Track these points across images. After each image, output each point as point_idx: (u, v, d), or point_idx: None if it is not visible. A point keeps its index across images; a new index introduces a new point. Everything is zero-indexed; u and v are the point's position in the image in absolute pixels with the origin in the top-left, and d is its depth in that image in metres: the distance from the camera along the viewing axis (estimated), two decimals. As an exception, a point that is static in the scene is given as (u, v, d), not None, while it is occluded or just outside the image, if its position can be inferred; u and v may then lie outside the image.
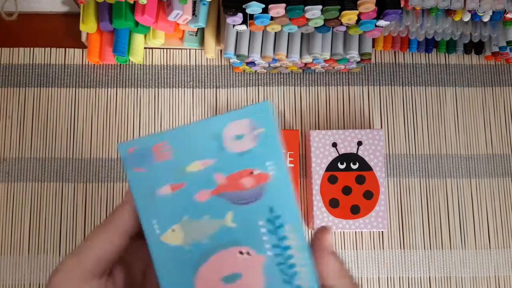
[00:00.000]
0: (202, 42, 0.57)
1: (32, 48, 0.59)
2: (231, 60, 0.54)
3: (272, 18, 0.46)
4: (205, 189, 0.25)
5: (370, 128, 0.58)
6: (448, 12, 0.51)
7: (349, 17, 0.45)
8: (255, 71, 0.58)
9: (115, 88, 0.58)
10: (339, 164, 0.53)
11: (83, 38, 0.56)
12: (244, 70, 0.58)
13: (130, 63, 0.59)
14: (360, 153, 0.53)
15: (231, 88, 0.59)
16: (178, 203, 0.25)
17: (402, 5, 0.46)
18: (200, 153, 0.25)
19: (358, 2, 0.43)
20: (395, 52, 0.60)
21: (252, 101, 0.58)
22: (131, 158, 0.25)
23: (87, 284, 0.23)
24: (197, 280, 0.25)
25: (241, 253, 0.25)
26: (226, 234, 0.25)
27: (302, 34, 0.53)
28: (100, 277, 0.24)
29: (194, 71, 0.59)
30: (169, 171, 0.25)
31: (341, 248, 0.55)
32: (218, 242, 0.25)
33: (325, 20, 0.46)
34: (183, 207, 0.25)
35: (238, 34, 0.53)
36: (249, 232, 0.25)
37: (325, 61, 0.54)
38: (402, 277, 0.55)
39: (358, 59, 0.53)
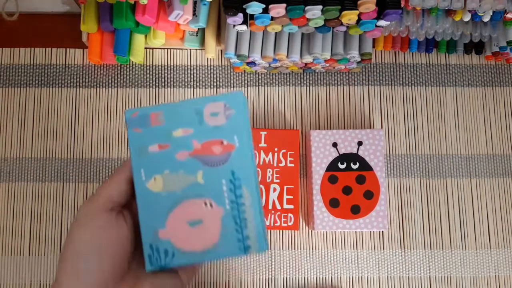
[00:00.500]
0: (202, 42, 0.57)
1: (33, 48, 0.59)
2: (231, 60, 0.54)
3: (272, 18, 0.46)
4: (184, 150, 0.32)
5: (370, 128, 0.58)
6: (449, 12, 0.51)
7: (349, 17, 0.45)
8: (256, 71, 0.58)
9: (115, 88, 0.58)
10: (339, 164, 0.53)
11: (84, 38, 0.56)
12: (244, 70, 0.58)
13: (131, 63, 0.59)
14: (360, 153, 0.53)
15: (232, 88, 0.59)
16: (162, 159, 0.32)
17: (402, 5, 0.47)
18: (184, 123, 0.32)
19: (359, 2, 0.43)
20: (395, 52, 0.60)
21: (253, 101, 0.58)
22: (133, 120, 0.32)
23: (101, 215, 0.31)
24: (168, 220, 0.32)
25: (205, 204, 0.32)
26: (195, 188, 0.32)
27: (302, 34, 0.53)
28: (111, 212, 0.31)
29: (195, 71, 0.59)
30: (159, 134, 0.32)
31: (341, 248, 0.55)
32: (189, 193, 0.32)
33: (325, 20, 0.46)
34: (165, 163, 0.32)
35: (238, 34, 0.53)
36: (214, 188, 0.32)
37: (326, 61, 0.54)
38: (402, 277, 0.55)
39: (359, 59, 0.53)
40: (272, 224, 0.53)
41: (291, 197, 0.53)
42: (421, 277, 0.55)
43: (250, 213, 0.32)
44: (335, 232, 0.55)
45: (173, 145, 0.32)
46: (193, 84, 0.59)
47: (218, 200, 0.32)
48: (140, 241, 0.32)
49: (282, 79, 0.59)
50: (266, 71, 0.58)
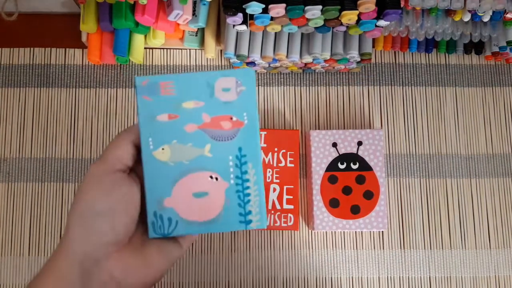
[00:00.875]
0: (202, 42, 0.57)
1: (32, 48, 0.59)
2: (231, 60, 0.54)
3: (272, 18, 0.46)
4: (193, 123, 0.32)
5: (370, 128, 0.58)
6: (448, 12, 0.51)
7: (349, 17, 0.45)
8: (255, 71, 0.58)
9: (115, 88, 0.58)
10: (339, 164, 0.53)
11: (83, 38, 0.56)
12: (244, 70, 0.58)
13: (130, 63, 0.59)
14: (360, 153, 0.53)
15: (231, 88, 0.59)
16: (171, 129, 0.32)
17: (402, 5, 0.46)
18: (195, 95, 0.32)
19: (358, 2, 0.43)
20: (395, 52, 0.60)
21: (252, 101, 0.58)
22: (143, 88, 0.32)
23: (113, 174, 0.31)
24: (174, 190, 0.32)
25: (211, 177, 0.33)
26: (202, 161, 0.32)
27: (302, 34, 0.53)
28: (121, 171, 0.31)
29: (195, 71, 0.59)
30: (169, 104, 0.32)
31: (341, 248, 0.55)
32: (196, 165, 0.32)
33: (325, 20, 0.46)
34: (174, 133, 0.32)
35: (238, 34, 0.53)
36: (220, 162, 0.33)
37: (325, 61, 0.54)
38: (402, 277, 0.55)
39: (358, 59, 0.53)
40: (272, 224, 0.53)
41: (291, 197, 0.53)
42: (421, 277, 0.55)
43: (254, 190, 0.33)
44: (335, 232, 0.55)
45: (183, 116, 0.32)
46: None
47: (224, 175, 0.33)
48: (144, 207, 0.32)
49: (282, 79, 0.59)
50: (265, 71, 0.58)
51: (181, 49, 0.59)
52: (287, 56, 0.53)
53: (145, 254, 0.31)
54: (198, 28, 0.56)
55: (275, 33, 0.53)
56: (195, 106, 0.32)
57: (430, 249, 0.55)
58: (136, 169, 0.33)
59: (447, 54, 0.60)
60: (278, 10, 0.44)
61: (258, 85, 0.59)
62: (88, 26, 0.53)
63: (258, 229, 0.36)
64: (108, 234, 0.30)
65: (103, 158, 0.31)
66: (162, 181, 0.32)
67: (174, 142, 0.32)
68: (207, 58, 0.59)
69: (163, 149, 0.32)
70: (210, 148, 0.33)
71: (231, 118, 0.33)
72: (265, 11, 0.45)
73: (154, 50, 0.59)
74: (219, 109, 0.33)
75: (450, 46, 0.59)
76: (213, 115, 0.33)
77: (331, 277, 0.54)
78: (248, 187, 0.33)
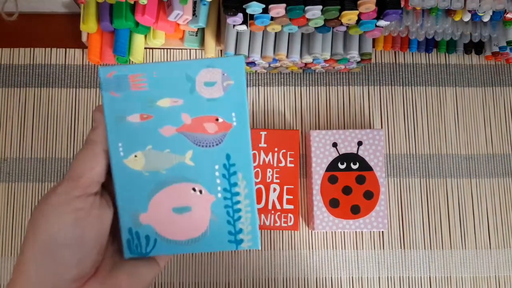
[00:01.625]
0: (202, 42, 0.57)
1: (32, 48, 0.59)
2: (231, 60, 0.54)
3: (272, 18, 0.46)
4: (171, 125, 0.27)
5: (370, 128, 0.58)
6: (448, 12, 0.51)
7: (349, 17, 0.45)
8: (255, 71, 0.58)
9: (115, 88, 0.58)
10: (339, 164, 0.53)
11: (84, 38, 0.56)
12: (244, 70, 0.58)
13: (131, 63, 0.59)
14: (360, 153, 0.53)
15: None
16: (144, 132, 0.27)
17: (402, 5, 0.46)
18: (172, 91, 0.27)
19: (358, 2, 0.43)
20: (395, 52, 0.60)
21: (253, 101, 0.58)
22: (109, 82, 0.27)
23: (84, 197, 0.26)
24: (151, 205, 0.28)
25: (194, 190, 0.28)
26: (183, 170, 0.27)
27: (302, 34, 0.53)
28: (94, 195, 0.27)
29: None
30: (141, 101, 0.27)
31: (341, 248, 0.55)
32: (175, 176, 0.27)
33: (325, 20, 0.46)
34: (148, 137, 0.27)
35: (238, 34, 0.53)
36: (205, 172, 0.27)
37: (325, 61, 0.54)
38: (402, 277, 0.55)
39: (358, 59, 0.53)
40: (272, 224, 0.53)
41: (291, 197, 0.53)
42: (421, 277, 0.55)
43: (245, 205, 0.28)
44: (335, 232, 0.55)
45: (158, 116, 0.27)
46: (193, 84, 0.59)
47: (209, 187, 0.28)
48: (116, 224, 0.28)
49: (282, 79, 0.59)
50: (266, 71, 0.58)
51: (181, 49, 0.59)
52: (287, 56, 0.53)
53: (113, 283, 0.27)
54: (198, 28, 0.56)
55: (275, 33, 0.53)
56: (172, 104, 0.27)
57: (430, 249, 0.55)
58: (106, 182, 0.28)
59: (447, 54, 0.60)
60: (278, 10, 0.44)
61: (258, 85, 0.59)
62: (88, 26, 0.53)
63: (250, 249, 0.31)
64: (72, 270, 0.25)
65: (72, 178, 0.26)
66: (136, 194, 0.28)
67: (148, 148, 0.27)
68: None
69: (135, 156, 0.27)
70: (192, 155, 0.27)
71: (217, 119, 0.27)
72: (265, 11, 0.45)
73: (154, 50, 0.59)
74: (202, 108, 0.27)
75: (450, 46, 0.59)
76: (195, 115, 0.27)
77: (331, 277, 0.54)
78: (238, 202, 0.28)
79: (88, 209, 0.26)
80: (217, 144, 0.27)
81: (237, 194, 0.28)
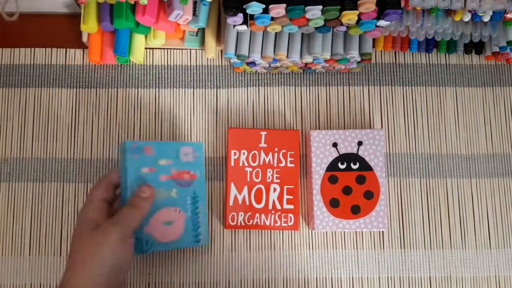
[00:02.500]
0: (202, 42, 0.57)
1: (33, 49, 0.59)
2: (231, 60, 0.54)
3: (272, 19, 0.46)
4: (165, 174, 0.48)
5: (370, 128, 0.58)
6: (449, 12, 0.51)
7: (349, 17, 0.45)
8: (256, 71, 0.58)
9: (116, 89, 0.58)
10: (339, 164, 0.53)
11: (84, 39, 0.56)
12: (244, 70, 0.58)
13: (131, 63, 0.59)
14: (360, 153, 0.53)
15: (232, 88, 0.59)
16: (150, 178, 0.47)
17: (402, 5, 0.47)
18: (167, 156, 0.48)
19: (359, 2, 0.43)
20: (395, 52, 0.60)
21: (253, 101, 0.58)
22: (132, 149, 0.46)
23: (128, 239, 0.42)
24: (151, 221, 0.46)
25: (175, 211, 0.48)
26: (170, 200, 0.48)
27: (302, 34, 0.53)
28: (132, 237, 0.43)
29: (195, 71, 0.59)
30: (150, 161, 0.47)
31: (341, 248, 0.55)
32: (165, 203, 0.47)
33: (325, 20, 0.46)
34: (151, 181, 0.46)
35: (238, 34, 0.53)
36: (182, 201, 0.48)
37: (326, 61, 0.54)
38: (402, 277, 0.55)
39: (359, 59, 0.53)
40: (272, 224, 0.53)
41: (291, 197, 0.53)
42: (421, 277, 0.55)
43: (202, 219, 0.50)
44: (335, 232, 0.55)
45: (158, 169, 0.47)
46: (193, 84, 0.59)
47: (184, 209, 0.48)
48: None
49: (282, 79, 0.59)
50: (266, 71, 0.58)
51: (182, 49, 0.59)
52: (287, 56, 0.53)
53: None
54: (198, 28, 0.56)
55: (276, 33, 0.53)
56: (167, 163, 0.48)
57: (430, 249, 0.55)
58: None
59: (447, 54, 0.60)
60: (278, 10, 0.44)
61: (259, 85, 0.59)
62: (89, 26, 0.54)
63: (204, 243, 0.50)
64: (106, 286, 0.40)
65: (123, 224, 0.42)
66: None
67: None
68: (207, 58, 0.59)
69: None
70: (176, 191, 0.48)
71: (189, 173, 0.49)
72: (265, 11, 0.45)
73: (154, 50, 0.59)
74: (182, 166, 0.49)
75: (450, 46, 0.59)
76: (178, 170, 0.48)
77: (331, 277, 0.54)
78: (199, 217, 0.49)
79: (127, 248, 0.43)
80: (189, 185, 0.49)
81: (198, 213, 0.49)
